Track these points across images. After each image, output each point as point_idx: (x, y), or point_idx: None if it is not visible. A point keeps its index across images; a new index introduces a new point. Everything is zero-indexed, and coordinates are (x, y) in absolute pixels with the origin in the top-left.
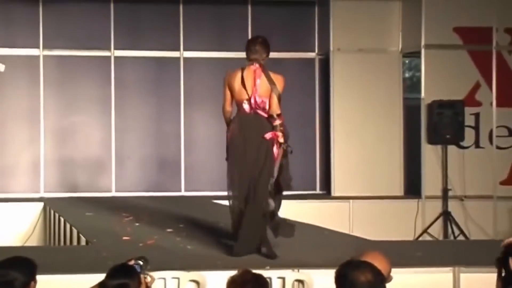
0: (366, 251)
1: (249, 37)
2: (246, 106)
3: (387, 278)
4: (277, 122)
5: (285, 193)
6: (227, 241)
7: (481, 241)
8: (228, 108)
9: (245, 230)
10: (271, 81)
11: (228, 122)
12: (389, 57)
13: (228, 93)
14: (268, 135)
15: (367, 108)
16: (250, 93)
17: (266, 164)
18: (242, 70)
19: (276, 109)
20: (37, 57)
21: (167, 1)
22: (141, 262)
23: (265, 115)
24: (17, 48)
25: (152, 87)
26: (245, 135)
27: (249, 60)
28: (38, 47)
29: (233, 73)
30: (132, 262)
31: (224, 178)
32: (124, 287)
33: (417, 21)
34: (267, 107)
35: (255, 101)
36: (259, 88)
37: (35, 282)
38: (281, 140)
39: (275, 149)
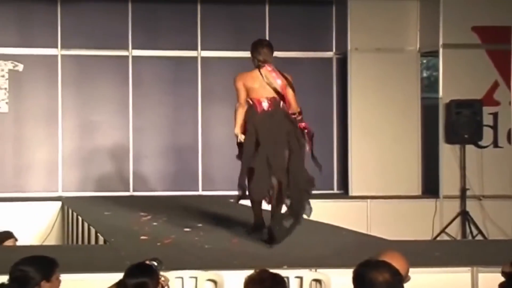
0: (384, 250)
1: (267, 36)
2: (265, 104)
3: (405, 278)
4: (300, 117)
5: None
6: (245, 239)
7: (500, 241)
8: (245, 105)
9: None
10: (287, 80)
11: (240, 122)
12: (407, 56)
13: (244, 93)
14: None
15: (384, 107)
16: (279, 91)
17: (301, 157)
18: (259, 70)
19: (297, 107)
20: (55, 56)
21: (184, 1)
22: (155, 263)
23: (290, 111)
24: (35, 47)
25: (169, 87)
26: (271, 130)
27: (259, 61)
28: (56, 46)
29: (247, 74)
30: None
31: None
32: (143, 285)
33: (435, 20)
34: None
35: (282, 98)
36: (282, 86)
37: (50, 281)
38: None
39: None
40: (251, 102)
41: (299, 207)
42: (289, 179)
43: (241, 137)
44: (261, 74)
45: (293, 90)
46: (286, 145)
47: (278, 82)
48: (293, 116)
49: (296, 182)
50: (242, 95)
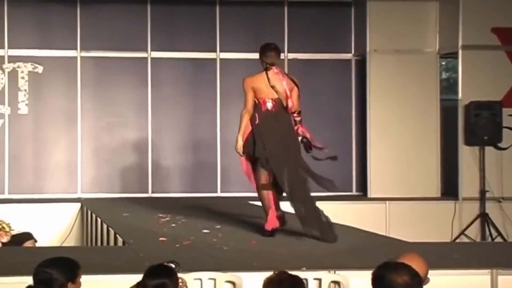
0: (403, 252)
1: (286, 38)
2: (270, 105)
3: (424, 280)
4: (298, 118)
5: (322, 193)
6: (263, 241)
7: None
8: (251, 111)
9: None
10: (293, 81)
11: (246, 123)
12: (426, 58)
13: (252, 96)
14: (299, 131)
15: (403, 109)
16: (280, 94)
17: (300, 155)
18: (266, 73)
19: (299, 106)
20: (75, 58)
21: (203, 3)
22: (172, 265)
23: (289, 111)
24: (55, 49)
25: (188, 88)
26: (275, 129)
27: (267, 64)
28: (75, 48)
29: (255, 77)
30: None
31: None
32: (163, 286)
33: (454, 22)
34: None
35: (286, 101)
36: (288, 89)
37: (75, 283)
38: (307, 135)
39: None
40: (257, 101)
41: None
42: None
43: (240, 150)
44: (267, 76)
45: (299, 91)
46: (289, 144)
47: (284, 84)
48: (293, 114)
49: (300, 181)
50: (250, 100)
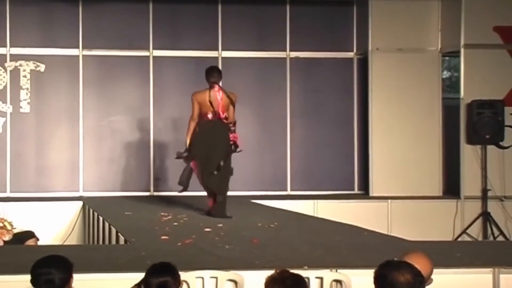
0: (410, 251)
1: (288, 36)
2: (210, 116)
3: (428, 279)
4: (233, 128)
5: (324, 192)
6: (266, 240)
7: None
8: (196, 119)
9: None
10: (229, 98)
11: (192, 130)
12: (428, 56)
13: (197, 107)
14: (231, 137)
15: (405, 108)
16: (216, 107)
17: (229, 154)
18: (209, 90)
19: (233, 118)
20: (77, 57)
21: (205, 1)
22: None
23: (226, 122)
24: (57, 48)
25: (190, 87)
26: (212, 135)
27: (210, 83)
28: (77, 47)
29: (201, 93)
30: None
31: (262, 177)
32: (166, 284)
33: (456, 20)
34: (226, 116)
35: (219, 113)
36: (221, 104)
37: (73, 278)
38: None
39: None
40: (201, 113)
41: (225, 192)
42: (223, 170)
43: (187, 143)
44: (210, 92)
45: (234, 106)
46: (223, 146)
47: (219, 100)
48: (230, 125)
49: (226, 173)
50: (196, 110)
